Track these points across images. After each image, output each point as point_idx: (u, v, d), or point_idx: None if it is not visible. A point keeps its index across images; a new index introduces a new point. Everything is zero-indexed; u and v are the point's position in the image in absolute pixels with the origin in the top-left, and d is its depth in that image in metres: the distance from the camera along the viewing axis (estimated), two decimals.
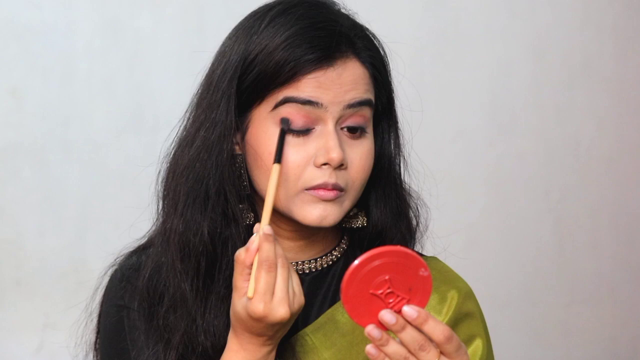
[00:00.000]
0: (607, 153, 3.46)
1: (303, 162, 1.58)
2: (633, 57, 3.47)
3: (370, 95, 1.61)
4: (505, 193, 3.39)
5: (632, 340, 3.51)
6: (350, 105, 1.59)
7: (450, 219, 3.16)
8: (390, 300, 1.42)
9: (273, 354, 1.55)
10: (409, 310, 1.42)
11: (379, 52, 1.65)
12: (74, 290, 2.89)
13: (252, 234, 1.56)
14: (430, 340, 1.43)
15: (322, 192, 1.58)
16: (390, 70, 1.67)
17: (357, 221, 1.69)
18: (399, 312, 1.42)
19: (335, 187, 1.58)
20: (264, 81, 1.60)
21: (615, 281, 3.49)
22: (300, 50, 1.58)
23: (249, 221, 1.64)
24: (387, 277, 1.41)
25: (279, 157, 1.56)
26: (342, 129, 1.60)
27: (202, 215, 1.62)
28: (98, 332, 1.72)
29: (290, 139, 1.59)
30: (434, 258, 1.75)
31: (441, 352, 1.44)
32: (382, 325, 1.42)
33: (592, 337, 3.47)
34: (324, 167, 1.58)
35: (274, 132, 1.59)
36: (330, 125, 1.58)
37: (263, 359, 1.54)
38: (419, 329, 1.43)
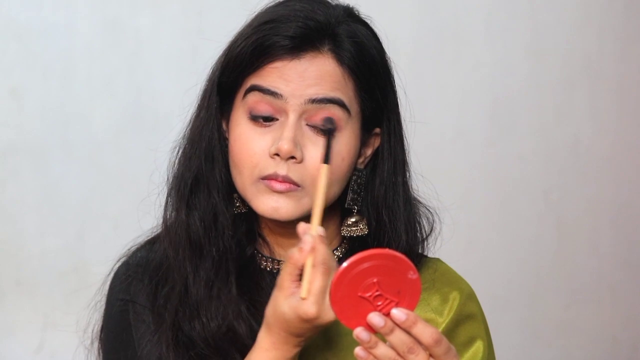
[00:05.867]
0: (607, 153, 3.46)
1: (259, 151, 1.59)
2: (633, 57, 3.46)
3: (339, 95, 1.59)
4: (505, 193, 3.39)
5: (632, 340, 3.51)
6: (313, 101, 1.58)
7: (450, 219, 3.16)
8: (379, 303, 1.42)
9: (299, 352, 1.55)
10: (397, 313, 1.41)
11: (368, 57, 1.63)
12: (74, 290, 2.89)
13: (239, 223, 1.61)
14: (419, 343, 1.42)
15: (273, 183, 1.58)
16: (386, 76, 1.66)
17: (357, 230, 1.68)
18: (387, 314, 1.42)
19: (286, 180, 1.57)
20: (235, 67, 1.61)
21: (615, 281, 3.49)
22: (268, 38, 1.59)
23: (240, 210, 1.66)
24: (375, 280, 1.41)
25: (327, 158, 1.55)
26: (308, 124, 1.59)
27: (185, 204, 1.64)
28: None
29: (252, 127, 1.59)
30: (436, 259, 1.74)
31: (430, 355, 1.43)
32: (370, 328, 1.42)
33: (592, 337, 3.47)
34: (275, 157, 1.57)
35: (241, 120, 1.60)
36: (291, 118, 1.58)
37: (293, 358, 1.54)
38: (407, 332, 1.42)
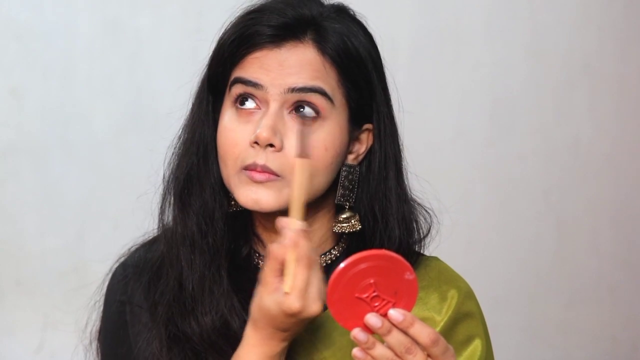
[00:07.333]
0: (607, 152, 3.46)
1: (241, 141, 1.59)
2: (633, 57, 3.46)
3: (320, 84, 1.60)
4: (505, 193, 3.39)
5: (632, 340, 3.51)
6: (293, 90, 1.59)
7: (449, 219, 3.16)
8: (376, 304, 1.42)
9: (287, 346, 1.55)
10: (394, 313, 1.42)
11: (356, 50, 1.63)
12: (74, 290, 2.89)
13: (234, 221, 1.62)
14: (417, 343, 1.43)
15: (253, 173, 1.58)
16: (375, 70, 1.65)
17: (348, 227, 1.68)
18: (384, 315, 1.42)
19: (265, 170, 1.58)
20: (220, 61, 1.62)
21: (615, 281, 3.49)
22: (249, 28, 1.60)
23: (236, 208, 1.66)
24: (372, 281, 1.41)
25: (301, 151, 1.54)
26: (290, 113, 1.60)
27: (183, 202, 1.65)
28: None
29: (236, 118, 1.61)
30: (434, 258, 1.74)
31: (428, 355, 1.43)
32: (368, 329, 1.42)
33: (592, 337, 3.47)
34: (255, 146, 1.58)
35: (227, 112, 1.62)
36: (272, 107, 1.58)
37: (282, 352, 1.54)
38: (405, 332, 1.42)
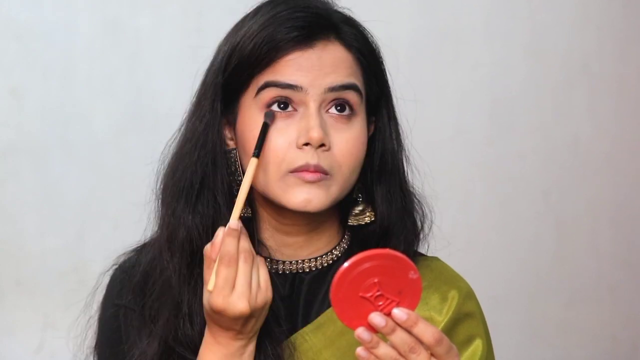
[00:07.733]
0: (607, 152, 3.46)
1: (285, 145, 1.58)
2: (632, 57, 3.47)
3: (354, 80, 1.61)
4: (505, 192, 3.39)
5: (632, 339, 3.51)
6: (332, 89, 1.59)
7: (449, 219, 3.16)
8: (380, 303, 1.42)
9: (250, 348, 1.56)
10: (398, 312, 1.42)
11: (368, 40, 1.65)
12: (74, 290, 2.88)
13: (248, 228, 1.59)
14: (421, 342, 1.43)
15: (305, 174, 1.58)
16: (383, 62, 1.67)
17: (364, 218, 1.68)
18: (388, 314, 1.43)
19: (318, 169, 1.58)
20: (245, 66, 1.61)
21: (615, 281, 3.49)
22: (277, 32, 1.59)
23: (246, 214, 1.64)
24: (376, 280, 1.41)
25: (258, 151, 1.56)
26: (327, 111, 1.60)
27: (189, 208, 1.63)
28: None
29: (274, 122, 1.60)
30: (435, 258, 1.75)
31: (432, 354, 1.44)
32: (372, 328, 1.43)
33: (592, 337, 3.47)
34: (305, 147, 1.58)
35: (257, 119, 1.60)
36: (312, 107, 1.58)
37: (238, 352, 1.55)
38: (409, 332, 1.43)
